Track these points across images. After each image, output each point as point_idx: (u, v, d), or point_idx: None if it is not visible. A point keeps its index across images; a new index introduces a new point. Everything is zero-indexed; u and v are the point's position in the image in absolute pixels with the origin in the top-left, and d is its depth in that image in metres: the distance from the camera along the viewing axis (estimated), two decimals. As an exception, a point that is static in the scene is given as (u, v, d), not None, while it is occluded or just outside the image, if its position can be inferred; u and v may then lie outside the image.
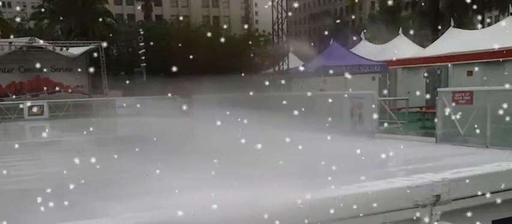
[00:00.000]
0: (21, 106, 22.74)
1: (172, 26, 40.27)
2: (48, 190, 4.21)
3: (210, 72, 17.09)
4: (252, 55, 26.46)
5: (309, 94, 12.18)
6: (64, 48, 26.15)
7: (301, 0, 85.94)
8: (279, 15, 22.51)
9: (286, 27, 23.17)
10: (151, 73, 27.50)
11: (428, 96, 16.99)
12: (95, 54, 25.70)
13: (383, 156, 6.32)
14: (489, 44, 16.06)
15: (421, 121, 14.48)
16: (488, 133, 8.37)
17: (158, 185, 4.58)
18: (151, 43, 28.42)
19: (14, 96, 24.98)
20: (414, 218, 2.61)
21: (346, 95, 11.76)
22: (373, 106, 10.93)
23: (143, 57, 29.78)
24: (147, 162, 6.75)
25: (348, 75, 15.29)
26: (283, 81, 17.65)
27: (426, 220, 2.63)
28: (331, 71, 16.61)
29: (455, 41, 18.88)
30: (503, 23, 19.49)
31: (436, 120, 9.58)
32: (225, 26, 44.77)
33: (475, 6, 34.96)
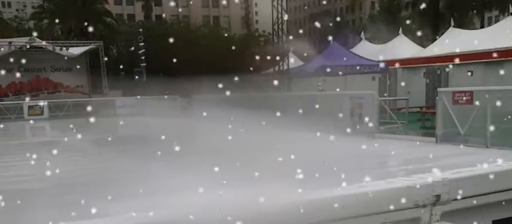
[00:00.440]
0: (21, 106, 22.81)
1: (172, 26, 40.28)
2: (48, 190, 4.22)
3: (210, 72, 17.07)
4: (252, 55, 26.45)
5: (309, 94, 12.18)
6: (64, 48, 26.15)
7: (301, 0, 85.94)
8: (279, 15, 22.51)
9: (286, 27, 23.17)
10: (151, 73, 27.50)
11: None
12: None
13: (383, 156, 6.32)
14: (489, 44, 16.09)
15: (421, 121, 14.48)
16: (488, 133, 8.37)
17: (158, 185, 4.58)
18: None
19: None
20: (414, 218, 2.61)
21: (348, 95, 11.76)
22: (374, 105, 10.93)
23: (143, 57, 29.77)
24: (147, 162, 6.75)
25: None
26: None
27: (426, 220, 2.63)
28: (328, 70, 16.61)
29: (455, 40, 18.87)
30: (503, 23, 19.48)
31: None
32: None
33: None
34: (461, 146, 8.42)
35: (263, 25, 46.97)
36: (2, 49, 24.32)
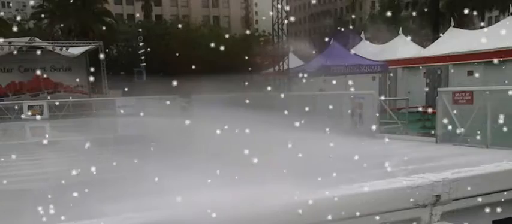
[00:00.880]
0: (20, 106, 22.79)
1: (172, 25, 40.25)
2: (48, 190, 4.21)
3: (210, 72, 17.07)
4: (252, 55, 26.46)
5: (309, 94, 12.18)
6: (64, 48, 26.14)
7: (301, 0, 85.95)
8: (279, 15, 22.51)
9: (286, 27, 23.17)
10: (151, 73, 27.49)
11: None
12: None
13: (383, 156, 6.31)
14: (489, 44, 16.08)
15: (422, 121, 14.48)
16: (488, 133, 8.37)
17: (158, 185, 4.58)
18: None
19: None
20: (414, 218, 2.61)
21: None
22: (374, 105, 10.93)
23: (143, 57, 29.77)
24: (147, 161, 6.75)
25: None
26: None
27: (426, 220, 2.63)
28: (328, 70, 16.62)
29: (455, 40, 18.87)
30: (504, 22, 19.47)
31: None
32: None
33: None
34: (461, 146, 8.43)
35: (263, 25, 47.01)
36: (2, 49, 24.30)
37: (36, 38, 26.18)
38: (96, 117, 22.29)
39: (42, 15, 37.44)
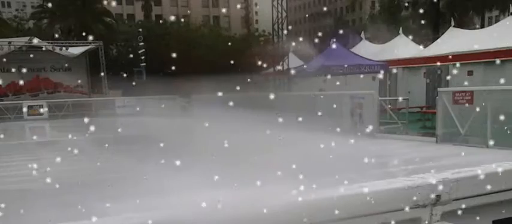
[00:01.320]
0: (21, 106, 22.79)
1: (172, 25, 40.26)
2: (48, 190, 4.21)
3: (210, 72, 17.07)
4: (252, 55, 26.47)
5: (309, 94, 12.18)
6: (63, 48, 26.14)
7: (301, 0, 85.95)
8: (279, 15, 22.51)
9: (286, 27, 23.16)
10: (151, 73, 27.49)
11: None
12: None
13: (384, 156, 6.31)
14: (489, 43, 16.08)
15: (422, 121, 14.48)
16: (488, 133, 8.37)
17: (158, 185, 4.58)
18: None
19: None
20: (414, 218, 2.61)
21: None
22: (374, 105, 10.93)
23: (143, 57, 29.77)
24: (147, 161, 6.75)
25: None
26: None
27: (426, 220, 2.63)
28: (328, 69, 16.60)
29: (455, 40, 18.87)
30: (504, 22, 19.45)
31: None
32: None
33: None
34: (462, 146, 8.43)
35: (263, 25, 46.99)
36: (2, 49, 24.29)
37: (36, 38, 26.19)
38: (96, 116, 22.29)
39: (42, 15, 37.46)
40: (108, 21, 37.54)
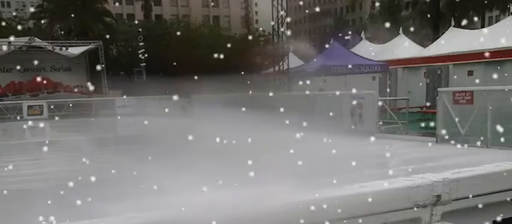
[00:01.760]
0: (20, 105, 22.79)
1: (172, 25, 40.26)
2: (48, 190, 4.21)
3: (210, 72, 17.07)
4: (252, 55, 26.47)
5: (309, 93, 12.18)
6: (63, 48, 26.13)
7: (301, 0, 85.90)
8: (279, 15, 22.50)
9: (286, 27, 23.16)
10: (151, 73, 27.49)
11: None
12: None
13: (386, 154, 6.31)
14: (490, 43, 16.08)
15: (422, 121, 14.46)
16: (489, 133, 8.36)
17: (158, 185, 4.57)
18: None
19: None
20: (415, 218, 2.61)
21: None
22: (376, 105, 10.93)
23: (143, 57, 29.77)
24: (146, 161, 6.75)
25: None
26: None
27: (427, 220, 2.63)
28: (328, 69, 16.60)
29: (455, 40, 18.86)
30: (504, 22, 19.46)
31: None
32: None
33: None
34: (462, 146, 8.41)
35: (263, 25, 47.00)
36: (1, 49, 24.28)
37: (35, 38, 26.17)
38: (96, 117, 22.29)
39: (42, 15, 37.45)
40: (108, 21, 37.52)
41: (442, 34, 22.68)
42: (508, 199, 2.94)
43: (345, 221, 2.34)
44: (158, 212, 2.10)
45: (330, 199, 2.34)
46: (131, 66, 30.45)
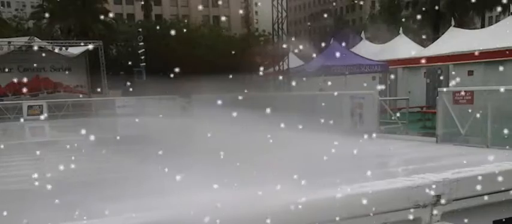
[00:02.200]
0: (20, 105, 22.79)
1: (172, 25, 40.23)
2: (48, 190, 4.21)
3: (210, 72, 17.07)
4: (252, 55, 26.45)
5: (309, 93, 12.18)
6: (63, 48, 26.13)
7: (301, 0, 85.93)
8: (279, 15, 22.49)
9: (286, 27, 23.15)
10: (151, 73, 27.46)
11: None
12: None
13: (386, 154, 6.31)
14: (490, 43, 16.07)
15: (422, 121, 14.47)
16: (489, 133, 8.37)
17: (158, 185, 4.57)
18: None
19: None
20: (415, 218, 2.60)
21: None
22: (374, 105, 10.93)
23: (143, 57, 29.76)
24: (147, 161, 6.75)
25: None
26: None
27: (427, 220, 2.63)
28: (328, 69, 16.59)
29: (455, 40, 18.86)
30: (504, 22, 19.45)
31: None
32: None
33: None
34: (462, 146, 8.42)
35: (263, 25, 46.99)
36: (1, 49, 24.29)
37: (35, 38, 26.17)
38: (96, 117, 22.29)
39: (42, 15, 37.43)
40: (108, 21, 37.51)
41: (442, 34, 22.67)
42: (508, 199, 2.94)
43: (344, 221, 2.34)
44: (158, 212, 2.09)
45: (330, 199, 2.33)
46: (131, 66, 30.41)
